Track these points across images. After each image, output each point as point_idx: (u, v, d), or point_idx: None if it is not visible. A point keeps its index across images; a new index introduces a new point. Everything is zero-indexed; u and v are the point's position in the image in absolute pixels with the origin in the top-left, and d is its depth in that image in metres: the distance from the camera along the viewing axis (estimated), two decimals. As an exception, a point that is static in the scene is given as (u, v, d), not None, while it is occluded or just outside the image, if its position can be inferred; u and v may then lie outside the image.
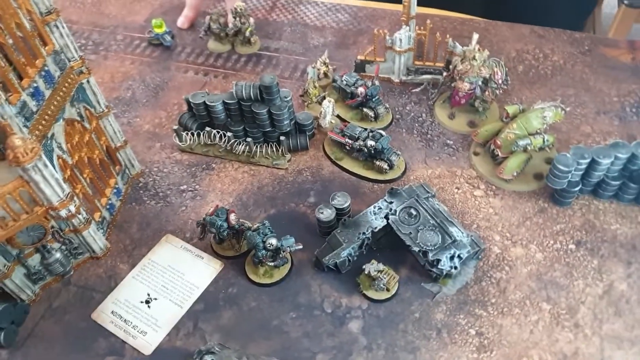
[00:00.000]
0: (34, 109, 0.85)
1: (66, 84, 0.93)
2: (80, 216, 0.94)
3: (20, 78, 0.83)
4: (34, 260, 0.96)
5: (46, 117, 0.87)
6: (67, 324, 0.97)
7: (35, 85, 0.85)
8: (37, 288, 0.99)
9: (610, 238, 1.03)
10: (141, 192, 1.17)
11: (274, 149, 1.21)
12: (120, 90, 1.41)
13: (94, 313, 0.98)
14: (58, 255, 0.97)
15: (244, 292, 0.99)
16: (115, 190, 1.12)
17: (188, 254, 1.06)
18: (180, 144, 1.24)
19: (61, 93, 0.91)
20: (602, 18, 2.65)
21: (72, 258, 1.02)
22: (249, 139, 1.20)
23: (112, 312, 0.98)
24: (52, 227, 0.93)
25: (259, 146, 1.21)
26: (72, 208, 0.90)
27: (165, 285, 1.01)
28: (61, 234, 0.96)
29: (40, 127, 0.85)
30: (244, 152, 1.21)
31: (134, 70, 1.47)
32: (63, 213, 0.89)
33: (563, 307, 0.94)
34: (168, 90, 1.41)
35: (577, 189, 1.04)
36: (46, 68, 0.88)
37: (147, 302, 0.99)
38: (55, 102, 0.89)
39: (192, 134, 1.23)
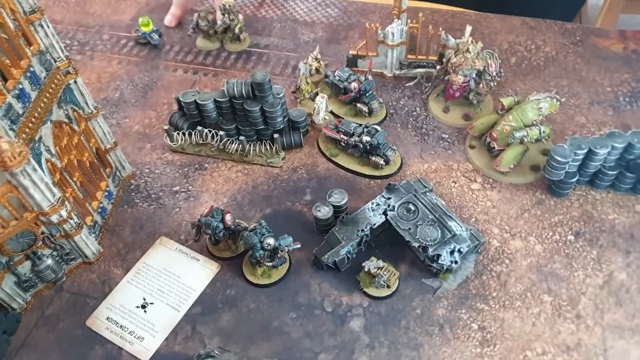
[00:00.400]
0: (20, 111, 0.82)
1: (53, 85, 0.90)
2: (71, 221, 0.91)
3: (5, 80, 0.80)
4: (25, 268, 0.93)
5: (33, 119, 0.84)
6: (61, 332, 0.94)
7: (20, 86, 0.82)
8: (29, 296, 0.97)
9: (609, 228, 1.03)
10: (133, 194, 1.15)
11: (268, 147, 1.19)
12: (108, 90, 1.38)
13: (89, 320, 0.95)
14: (49, 261, 0.94)
15: (243, 293, 0.98)
16: (106, 193, 1.09)
17: (183, 257, 1.04)
18: (171, 144, 1.22)
19: (48, 94, 0.89)
20: (589, 8, 2.66)
21: (64, 264, 0.99)
22: (241, 138, 1.18)
23: (108, 318, 0.96)
24: (43, 232, 0.90)
25: (252, 144, 1.19)
26: (64, 213, 0.88)
27: (161, 289, 0.99)
28: (52, 239, 0.93)
29: (27, 129, 0.83)
30: (237, 150, 1.19)
31: (121, 70, 1.44)
32: (54, 218, 0.86)
33: (564, 298, 0.94)
34: (157, 90, 1.38)
35: (574, 179, 1.04)
36: (31, 69, 0.85)
37: (143, 306, 0.97)
38: (42, 104, 0.87)
39: (184, 134, 1.21)
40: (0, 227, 0.80)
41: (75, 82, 0.96)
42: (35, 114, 0.85)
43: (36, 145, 0.86)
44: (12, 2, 0.79)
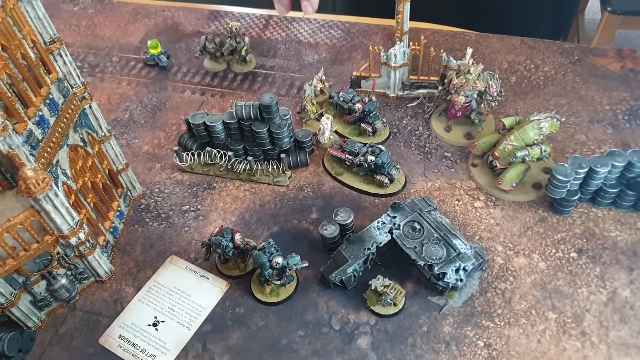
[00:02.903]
0: (40, 137, 0.85)
1: (69, 111, 0.93)
2: (86, 242, 0.94)
3: (26, 107, 0.84)
4: (40, 287, 0.95)
5: (51, 144, 0.87)
6: (75, 350, 0.96)
7: (40, 113, 0.86)
8: (43, 314, 0.99)
9: (611, 245, 1.04)
10: (143, 213, 1.17)
11: (275, 166, 1.22)
12: (118, 111, 1.42)
13: (101, 338, 0.97)
14: (63, 280, 0.97)
15: (251, 311, 1.00)
16: (118, 213, 1.12)
17: (193, 275, 1.06)
18: (180, 164, 1.24)
19: (65, 120, 0.92)
20: (586, 24, 2.70)
21: (77, 283, 1.02)
22: (249, 158, 1.20)
23: (120, 336, 0.98)
24: (58, 253, 0.92)
25: (259, 164, 1.22)
26: (82, 235, 0.90)
27: (172, 307, 1.01)
28: (67, 259, 0.95)
29: (45, 154, 0.86)
30: (244, 170, 1.21)
31: (130, 91, 1.48)
32: (73, 241, 0.89)
33: (569, 315, 0.95)
34: (166, 111, 1.41)
35: (575, 197, 1.06)
36: (51, 96, 0.88)
37: (155, 324, 0.99)
38: (59, 129, 0.90)
39: (193, 154, 1.23)
40: (23, 250, 0.83)
41: (90, 106, 1.00)
42: (54, 139, 0.88)
43: (53, 168, 0.89)
44: (34, 33, 0.83)
